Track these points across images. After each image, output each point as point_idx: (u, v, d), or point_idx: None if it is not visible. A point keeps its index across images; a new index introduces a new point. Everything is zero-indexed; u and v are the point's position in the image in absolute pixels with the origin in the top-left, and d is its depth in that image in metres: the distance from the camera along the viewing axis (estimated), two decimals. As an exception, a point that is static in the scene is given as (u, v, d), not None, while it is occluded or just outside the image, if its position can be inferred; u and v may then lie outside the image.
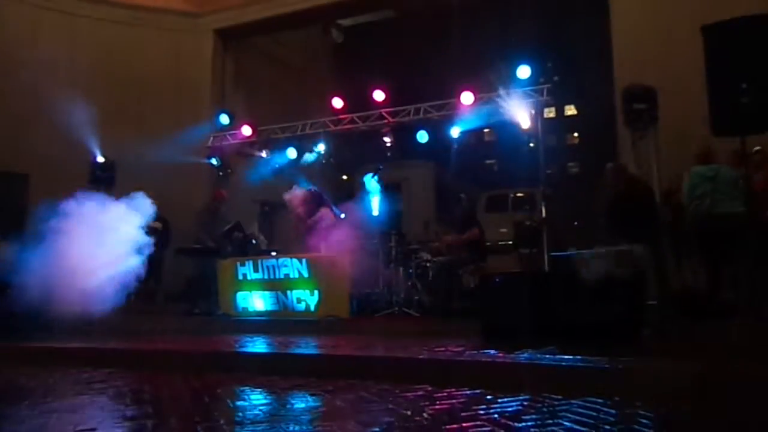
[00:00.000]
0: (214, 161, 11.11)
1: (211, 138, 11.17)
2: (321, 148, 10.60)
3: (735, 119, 5.07)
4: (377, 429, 3.26)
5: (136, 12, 14.14)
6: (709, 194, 6.33)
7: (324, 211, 8.97)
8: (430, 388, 4.16)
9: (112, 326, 7.67)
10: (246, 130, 10.61)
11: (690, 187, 6.55)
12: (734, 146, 5.72)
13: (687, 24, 7.31)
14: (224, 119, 11.07)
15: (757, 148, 6.43)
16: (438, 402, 3.79)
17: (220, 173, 11.17)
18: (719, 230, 6.15)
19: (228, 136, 10.98)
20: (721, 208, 6.19)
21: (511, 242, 12.14)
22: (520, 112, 8.75)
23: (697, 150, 6.77)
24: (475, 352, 5.04)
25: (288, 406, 4.03)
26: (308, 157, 10.64)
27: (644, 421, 3.17)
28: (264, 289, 8.49)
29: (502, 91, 8.75)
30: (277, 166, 10.86)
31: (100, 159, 10.98)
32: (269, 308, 8.42)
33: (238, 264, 8.74)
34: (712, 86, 5.17)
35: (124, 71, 13.63)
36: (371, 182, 9.67)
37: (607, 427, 3.07)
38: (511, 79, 8.82)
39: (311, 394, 4.26)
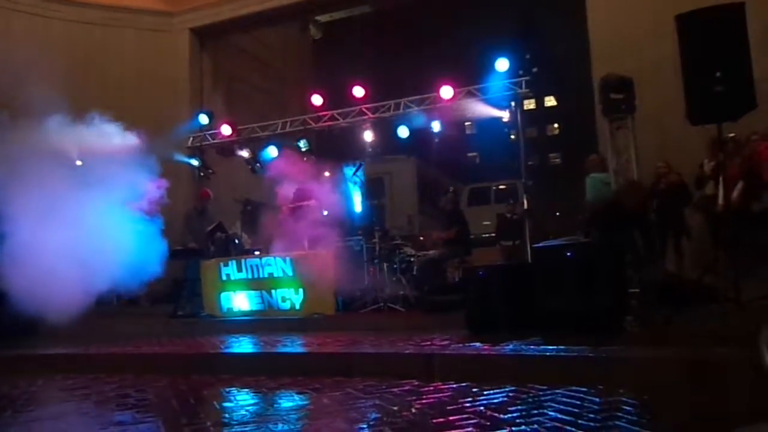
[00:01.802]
0: (194, 161, 11.01)
1: (191, 138, 11.07)
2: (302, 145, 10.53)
3: (710, 107, 5.14)
4: (364, 425, 3.27)
5: (110, 12, 13.99)
6: (608, 197, 7.71)
7: (311, 202, 8.92)
8: (416, 383, 4.18)
9: (96, 330, 7.60)
10: (226, 130, 10.53)
11: (594, 190, 8.11)
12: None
13: (662, 14, 7.37)
14: (203, 119, 10.95)
15: (731, 135, 6.52)
16: (425, 396, 3.81)
17: (201, 173, 11.08)
18: None
19: (208, 136, 10.89)
20: None
21: (494, 234, 12.20)
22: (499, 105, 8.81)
23: (593, 160, 8.49)
24: (461, 345, 5.08)
25: (275, 405, 4.03)
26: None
27: (627, 408, 3.21)
28: (248, 289, 8.45)
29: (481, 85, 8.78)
30: (258, 164, 10.78)
31: (78, 162, 10.82)
32: (254, 308, 8.39)
33: (221, 264, 8.69)
34: (687, 75, 5.23)
35: (101, 72, 13.47)
36: (353, 178, 9.67)
37: (591, 415, 3.11)
38: (490, 72, 8.86)
39: (298, 393, 4.26)
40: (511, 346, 4.72)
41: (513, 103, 8.88)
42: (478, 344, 4.97)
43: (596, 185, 8.11)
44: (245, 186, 11.44)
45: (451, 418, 3.21)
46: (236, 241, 9.39)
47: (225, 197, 10.96)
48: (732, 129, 6.13)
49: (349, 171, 9.79)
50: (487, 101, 8.89)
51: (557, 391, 3.66)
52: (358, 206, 9.75)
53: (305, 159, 10.23)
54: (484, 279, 5.99)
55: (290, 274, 8.13)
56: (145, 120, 12.79)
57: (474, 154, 42.71)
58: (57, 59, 12.67)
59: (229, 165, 11.38)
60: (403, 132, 9.71)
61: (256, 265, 8.41)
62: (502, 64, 8.75)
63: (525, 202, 8.98)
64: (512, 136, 9.40)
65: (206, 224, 9.30)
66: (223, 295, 8.63)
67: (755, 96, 5.00)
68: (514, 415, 3.22)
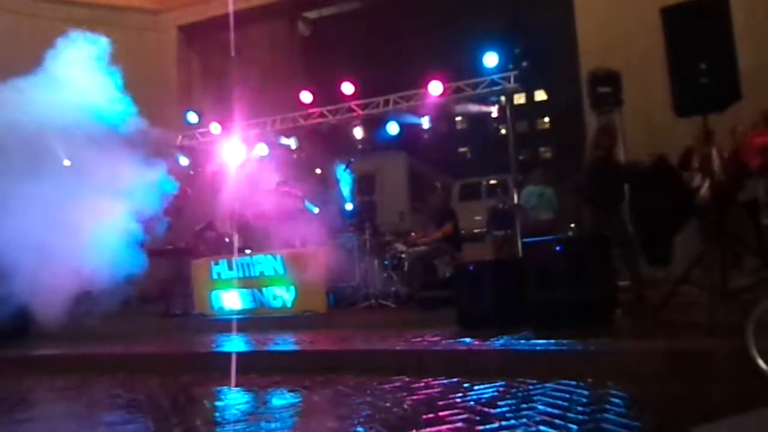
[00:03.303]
0: (183, 160, 10.94)
1: (180, 137, 11.01)
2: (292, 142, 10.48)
3: (696, 99, 5.16)
4: (356, 422, 3.28)
5: (97, 11, 13.88)
6: (537, 206, 8.99)
7: (290, 190, 8.89)
8: (407, 379, 4.19)
9: (86, 330, 7.55)
10: (215, 128, 10.48)
11: (527, 200, 9.11)
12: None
13: (649, 7, 7.39)
14: (192, 118, 10.89)
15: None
16: (415, 392, 3.81)
17: (191, 172, 11.01)
18: (540, 228, 8.43)
19: (197, 134, 10.84)
20: (543, 215, 9.00)
21: (485, 229, 12.20)
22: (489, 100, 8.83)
23: (532, 174, 9.71)
24: (452, 341, 5.09)
25: (266, 403, 4.03)
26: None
27: (616, 401, 3.23)
28: (239, 287, 8.42)
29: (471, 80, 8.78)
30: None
31: (67, 162, 10.73)
32: (245, 306, 8.36)
33: (212, 263, 8.66)
34: (673, 67, 5.24)
35: (87, 71, 13.37)
36: (343, 175, 9.64)
37: (580, 408, 3.13)
38: (479, 67, 8.84)
39: (289, 391, 4.26)
40: (501, 341, 4.74)
41: (503, 98, 8.87)
42: (468, 340, 4.98)
43: (528, 195, 9.17)
44: (235, 184, 11.38)
45: (441, 413, 3.23)
46: (227, 240, 9.35)
47: (215, 196, 10.90)
48: (717, 120, 6.15)
49: (339, 168, 9.74)
50: (477, 96, 8.88)
51: (547, 384, 3.68)
52: (349, 203, 9.71)
53: (295, 156, 10.21)
54: (475, 274, 6.00)
55: (281, 272, 8.11)
56: (133, 119, 12.77)
57: (465, 149, 42.74)
58: (43, 59, 12.60)
59: (218, 163, 11.31)
60: (392, 128, 9.68)
61: (247, 264, 8.38)
62: (491, 59, 8.73)
63: (516, 196, 8.99)
64: (502, 131, 9.40)
65: (184, 223, 9.23)
66: (214, 293, 8.61)
67: (740, 87, 5.02)
68: (504, 409, 3.23)
